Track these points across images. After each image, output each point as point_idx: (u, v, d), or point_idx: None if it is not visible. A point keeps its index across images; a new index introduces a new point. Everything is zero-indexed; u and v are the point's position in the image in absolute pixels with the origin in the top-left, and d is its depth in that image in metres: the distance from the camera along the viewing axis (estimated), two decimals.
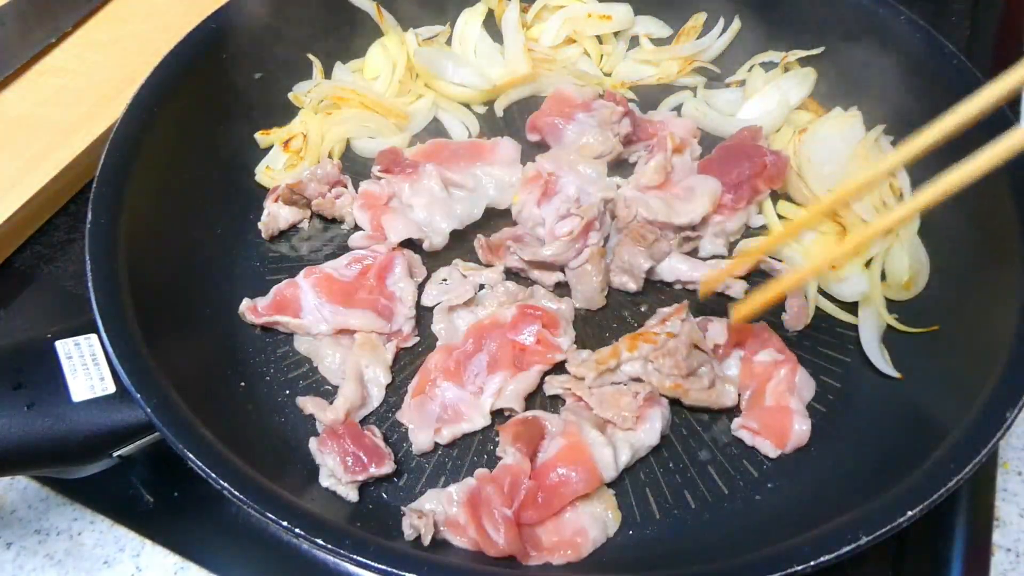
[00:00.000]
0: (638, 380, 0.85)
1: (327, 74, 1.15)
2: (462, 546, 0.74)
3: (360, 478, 0.78)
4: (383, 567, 0.62)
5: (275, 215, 1.00)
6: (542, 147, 1.08)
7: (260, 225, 1.00)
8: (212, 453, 0.68)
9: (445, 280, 0.94)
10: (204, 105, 0.99)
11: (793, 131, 1.06)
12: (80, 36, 1.23)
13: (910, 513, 0.64)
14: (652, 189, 0.98)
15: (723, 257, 0.98)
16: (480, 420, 0.84)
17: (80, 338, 0.75)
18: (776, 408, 0.83)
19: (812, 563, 0.62)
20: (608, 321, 0.94)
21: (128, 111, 0.90)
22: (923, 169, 0.97)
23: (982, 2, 1.34)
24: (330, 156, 1.08)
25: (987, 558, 0.81)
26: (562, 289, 0.95)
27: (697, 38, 1.16)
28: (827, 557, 0.62)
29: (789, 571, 0.61)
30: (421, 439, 0.82)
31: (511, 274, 0.96)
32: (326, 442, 0.80)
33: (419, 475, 0.82)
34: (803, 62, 1.10)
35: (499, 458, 0.80)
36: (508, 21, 1.16)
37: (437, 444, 0.83)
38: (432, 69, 1.13)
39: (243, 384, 0.87)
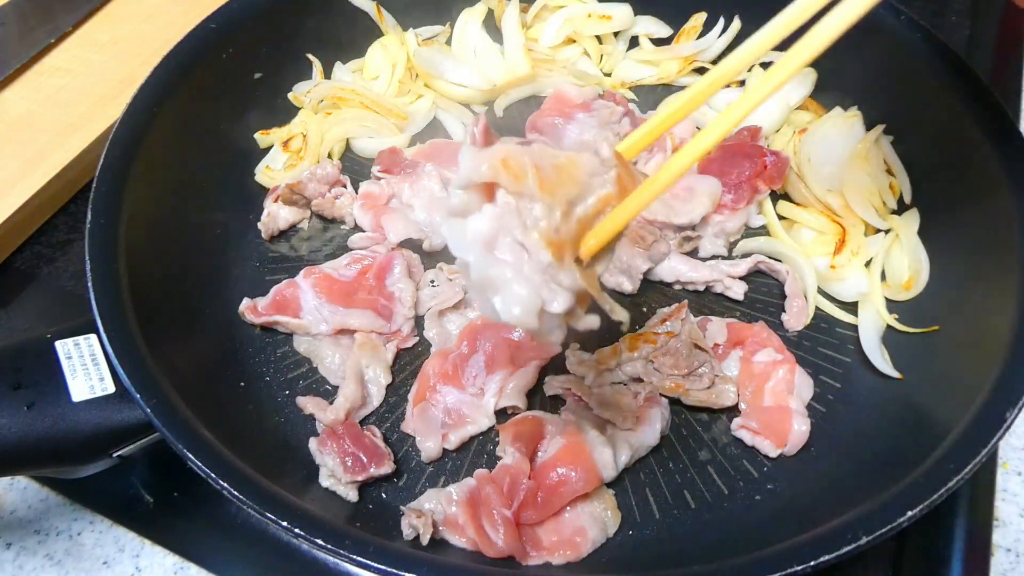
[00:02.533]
0: (638, 380, 0.86)
1: (327, 74, 1.15)
2: (461, 546, 0.74)
3: (360, 478, 0.78)
4: (383, 567, 0.62)
5: (275, 215, 1.00)
6: None
7: (260, 225, 1.00)
8: (212, 453, 0.68)
9: (433, 282, 0.95)
10: (204, 105, 0.99)
11: (793, 131, 1.06)
12: (80, 36, 1.23)
13: (910, 513, 0.64)
14: None
15: (723, 257, 0.98)
16: (485, 421, 0.84)
17: (80, 338, 0.75)
18: (775, 408, 0.84)
19: (812, 563, 0.62)
20: (608, 321, 0.93)
21: (128, 111, 0.90)
22: (923, 169, 0.98)
23: (982, 2, 1.34)
24: (330, 156, 1.08)
25: (987, 558, 0.81)
26: None
27: (697, 38, 1.16)
28: (827, 557, 0.62)
29: (789, 571, 0.61)
30: (429, 447, 0.82)
31: None
32: (326, 442, 0.80)
33: (419, 475, 0.82)
34: None
35: (499, 458, 0.81)
36: (508, 21, 1.16)
37: (446, 450, 0.83)
38: (432, 69, 1.13)
39: (243, 384, 0.87)
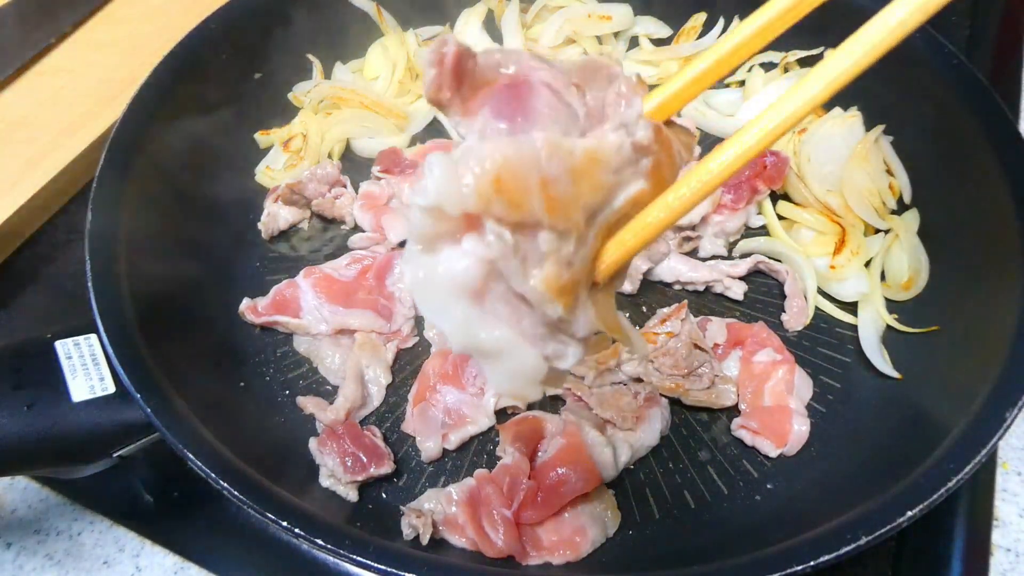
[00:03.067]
0: (638, 380, 0.86)
1: (327, 74, 1.15)
2: (461, 546, 0.74)
3: (360, 478, 0.78)
4: (383, 567, 0.62)
5: (275, 215, 1.00)
6: None
7: (260, 225, 1.00)
8: (212, 453, 0.68)
9: None
10: (204, 105, 0.99)
11: (793, 131, 1.06)
12: (80, 36, 1.23)
13: (910, 513, 0.64)
14: None
15: (723, 257, 0.98)
16: (485, 421, 0.84)
17: (80, 338, 0.75)
18: (775, 408, 0.84)
19: (812, 563, 0.62)
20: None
21: (128, 111, 0.90)
22: (923, 169, 0.98)
23: (982, 2, 1.34)
24: (330, 156, 1.08)
25: (987, 558, 0.81)
26: None
27: (697, 38, 1.16)
28: (827, 557, 0.62)
29: (789, 571, 0.61)
30: (429, 447, 0.82)
31: None
32: (326, 442, 0.80)
33: (419, 475, 0.82)
34: (803, 62, 1.10)
35: (499, 458, 0.80)
36: (508, 21, 1.16)
37: (446, 450, 0.83)
38: None
39: (243, 384, 0.87)
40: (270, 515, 0.64)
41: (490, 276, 0.41)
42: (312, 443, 0.81)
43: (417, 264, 0.41)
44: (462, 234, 0.40)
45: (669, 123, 0.47)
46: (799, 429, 0.82)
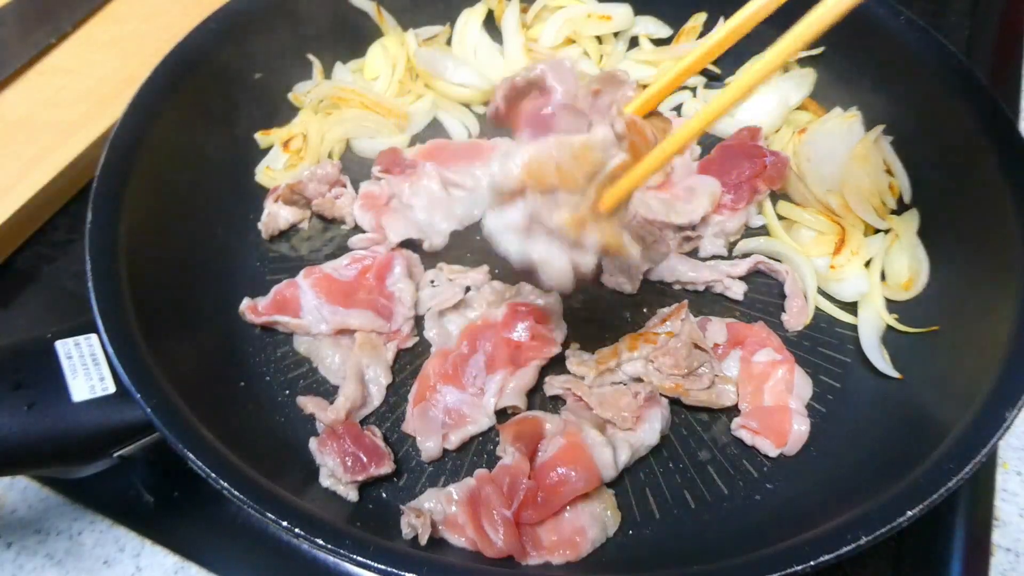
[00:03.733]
0: (638, 380, 0.86)
1: (327, 74, 1.15)
2: (461, 546, 0.74)
3: (360, 478, 0.78)
4: (382, 567, 0.62)
5: (275, 215, 1.00)
6: None
7: (260, 225, 1.00)
8: (212, 453, 0.68)
9: (433, 282, 0.95)
10: (204, 105, 0.99)
11: (793, 131, 1.06)
12: (80, 36, 1.23)
13: (910, 513, 0.64)
14: (652, 189, 0.98)
15: (723, 257, 0.98)
16: (485, 421, 0.84)
17: (80, 338, 0.75)
18: (775, 408, 0.84)
19: (812, 563, 0.62)
20: (608, 321, 0.94)
21: (128, 111, 0.90)
22: (923, 169, 0.98)
23: (982, 2, 1.34)
24: (330, 156, 1.08)
25: (987, 558, 0.81)
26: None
27: (697, 38, 1.16)
28: (827, 557, 0.62)
29: (789, 571, 0.61)
30: (429, 447, 0.82)
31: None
32: (326, 442, 0.80)
33: (419, 475, 0.82)
34: (803, 62, 1.10)
35: (499, 458, 0.81)
36: (508, 21, 1.16)
37: (446, 450, 0.83)
38: (432, 69, 1.13)
39: (243, 384, 0.87)
40: (270, 515, 0.64)
41: (532, 220, 0.67)
42: (312, 443, 0.81)
43: (493, 217, 0.69)
44: (514, 200, 0.67)
45: (654, 112, 0.70)
46: (799, 429, 0.82)
